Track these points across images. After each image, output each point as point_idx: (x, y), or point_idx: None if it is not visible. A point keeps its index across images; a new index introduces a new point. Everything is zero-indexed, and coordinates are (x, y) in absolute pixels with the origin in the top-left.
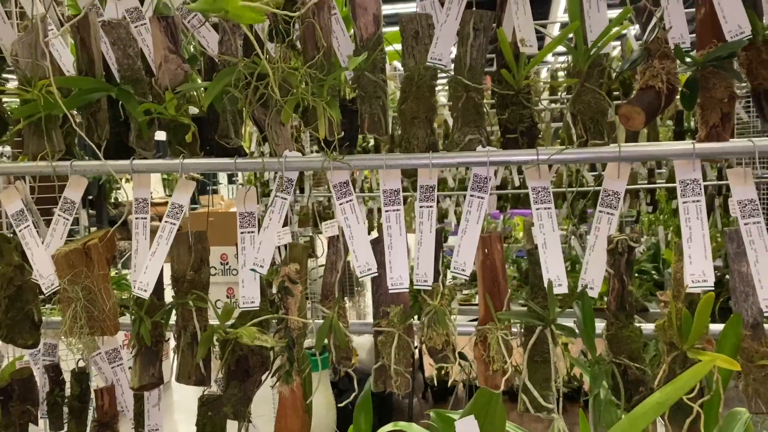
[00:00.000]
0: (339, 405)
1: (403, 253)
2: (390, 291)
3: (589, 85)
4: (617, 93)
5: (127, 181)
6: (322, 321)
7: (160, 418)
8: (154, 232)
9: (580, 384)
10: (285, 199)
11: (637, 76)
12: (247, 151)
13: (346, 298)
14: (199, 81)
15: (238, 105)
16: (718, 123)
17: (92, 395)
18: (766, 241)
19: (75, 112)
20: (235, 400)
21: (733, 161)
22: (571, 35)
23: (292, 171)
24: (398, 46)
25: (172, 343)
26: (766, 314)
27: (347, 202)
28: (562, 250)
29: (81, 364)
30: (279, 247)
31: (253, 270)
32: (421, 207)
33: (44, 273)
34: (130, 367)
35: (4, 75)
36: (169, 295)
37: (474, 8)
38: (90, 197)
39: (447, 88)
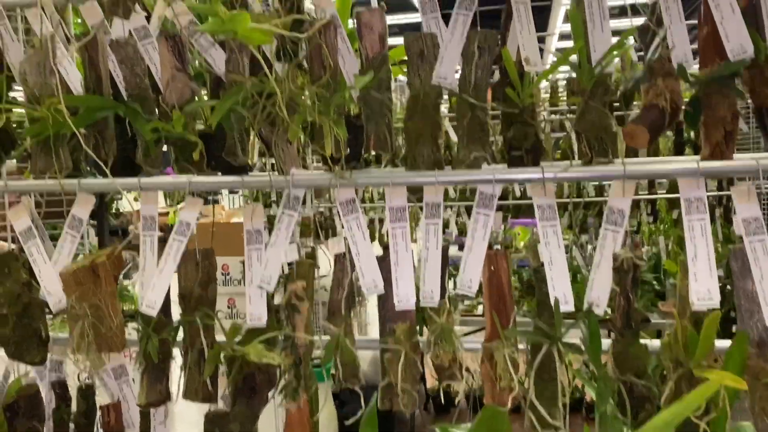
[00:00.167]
0: (346, 423)
1: (410, 270)
2: (396, 308)
3: (593, 104)
4: (617, 104)
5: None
6: (328, 337)
7: None
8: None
9: (582, 395)
10: (292, 216)
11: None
12: (251, 162)
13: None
14: (205, 97)
15: (245, 123)
16: (722, 141)
17: (98, 411)
18: None
19: (82, 130)
20: (242, 417)
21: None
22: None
23: (299, 188)
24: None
25: (179, 359)
26: None
27: (353, 219)
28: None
29: (86, 380)
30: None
31: (260, 287)
32: (427, 224)
33: (52, 290)
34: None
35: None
36: (175, 310)
37: (478, 27)
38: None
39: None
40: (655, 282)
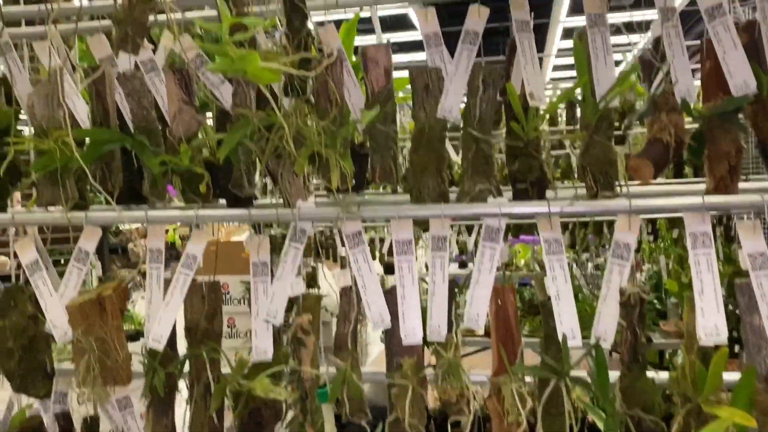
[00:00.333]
0: None
1: (417, 303)
2: (403, 343)
3: (597, 138)
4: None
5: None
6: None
7: None
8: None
9: (585, 414)
10: (298, 248)
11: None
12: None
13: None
14: (209, 121)
15: (252, 155)
16: (726, 175)
17: None
18: None
19: None
20: None
21: None
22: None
23: (305, 221)
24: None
25: (185, 392)
26: None
27: (360, 252)
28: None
29: (91, 412)
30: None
31: (266, 321)
32: (433, 257)
33: (58, 323)
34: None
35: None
36: (181, 343)
37: (483, 62)
38: None
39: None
40: (656, 301)
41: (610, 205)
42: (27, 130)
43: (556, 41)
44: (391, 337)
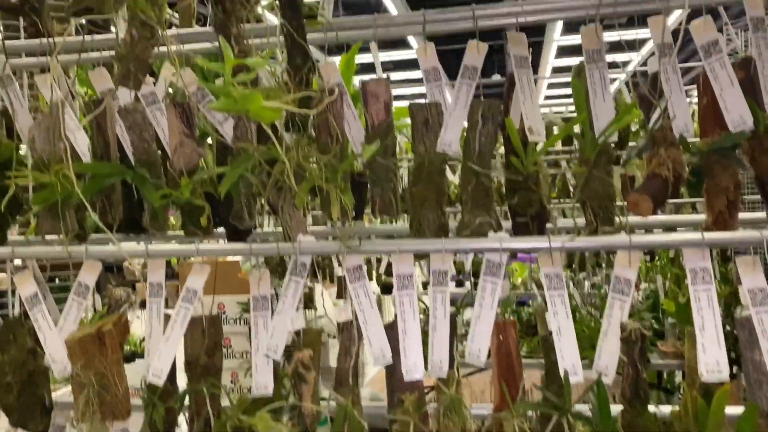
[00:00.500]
0: None
1: (418, 339)
2: (405, 379)
3: (596, 173)
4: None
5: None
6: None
7: None
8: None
9: None
10: (298, 282)
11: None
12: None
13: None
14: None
15: (253, 189)
16: (725, 210)
17: None
18: None
19: None
20: None
21: None
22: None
23: (306, 255)
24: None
25: (184, 427)
26: None
27: (360, 286)
28: None
29: None
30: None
31: (266, 356)
32: (434, 292)
33: (57, 358)
34: None
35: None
36: (181, 377)
37: (482, 96)
38: None
39: None
40: (653, 321)
41: (610, 240)
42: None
43: (551, 60)
44: (392, 372)
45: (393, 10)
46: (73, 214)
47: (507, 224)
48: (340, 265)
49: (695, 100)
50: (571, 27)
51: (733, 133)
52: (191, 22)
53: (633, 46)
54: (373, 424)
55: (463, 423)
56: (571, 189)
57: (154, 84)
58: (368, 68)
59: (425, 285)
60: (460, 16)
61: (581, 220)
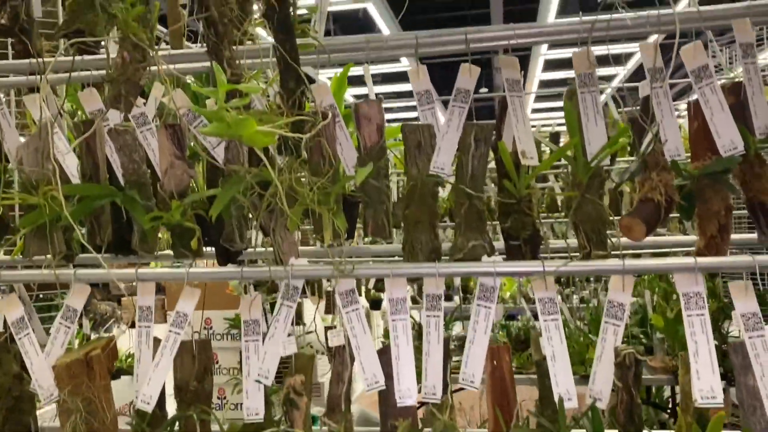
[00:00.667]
0: None
1: (411, 364)
2: (398, 405)
3: (589, 196)
4: None
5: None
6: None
7: None
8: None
9: None
10: (291, 307)
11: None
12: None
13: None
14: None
15: (244, 211)
16: (716, 234)
17: None
18: None
19: None
20: None
21: None
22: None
23: (298, 279)
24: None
25: None
26: None
27: (353, 310)
28: None
29: None
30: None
31: (257, 381)
32: (428, 316)
33: (43, 383)
34: None
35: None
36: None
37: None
38: None
39: None
40: (642, 336)
41: (604, 265)
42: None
43: (538, 73)
44: (385, 397)
45: (381, 23)
46: (61, 237)
47: (497, 244)
48: (328, 280)
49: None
50: (556, 42)
51: (725, 158)
52: (182, 41)
53: (619, 60)
54: None
55: None
56: (559, 204)
57: (144, 104)
58: (355, 80)
59: (413, 299)
60: (453, 39)
61: (572, 240)
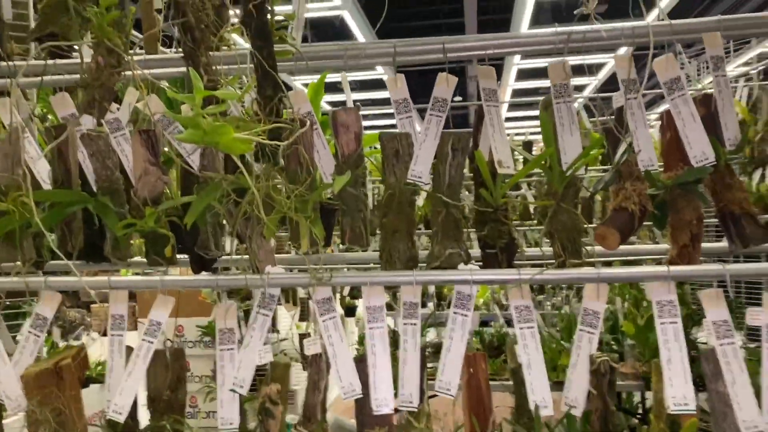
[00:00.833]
0: None
1: (388, 372)
2: (374, 413)
3: (564, 205)
4: None
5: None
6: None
7: None
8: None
9: None
10: (267, 316)
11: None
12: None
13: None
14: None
15: (219, 218)
16: (689, 243)
17: None
18: (741, 362)
19: None
20: None
21: None
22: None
23: (274, 287)
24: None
25: None
26: None
27: (330, 318)
28: None
29: None
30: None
31: (232, 390)
32: (405, 324)
33: (11, 394)
34: None
35: None
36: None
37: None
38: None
39: None
40: (613, 342)
41: (579, 273)
42: None
43: (511, 82)
44: (362, 406)
45: (357, 32)
46: (31, 243)
47: (474, 252)
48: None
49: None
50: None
51: (697, 168)
52: (157, 47)
53: (591, 70)
54: None
55: None
56: (531, 211)
57: (118, 110)
58: (331, 87)
59: (389, 306)
60: (430, 48)
61: (548, 249)
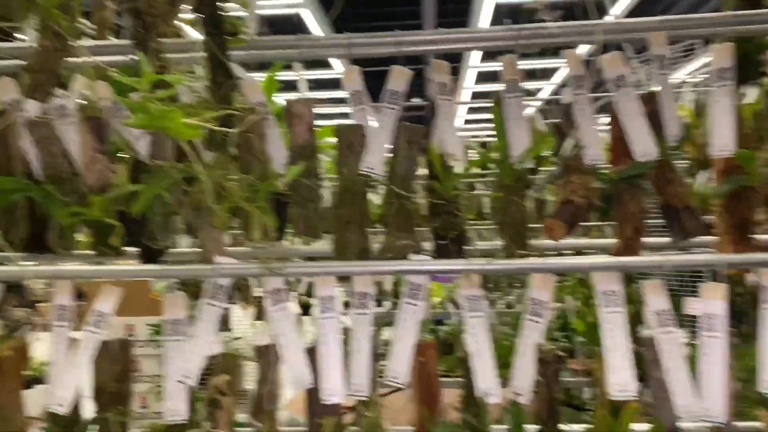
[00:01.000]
0: None
1: (339, 362)
2: (324, 402)
3: (513, 198)
4: None
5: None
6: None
7: None
8: None
9: None
10: (216, 306)
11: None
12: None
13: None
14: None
15: (169, 208)
16: (633, 236)
17: None
18: (679, 349)
19: None
20: None
21: None
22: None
23: (224, 278)
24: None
25: None
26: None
27: (280, 309)
28: None
29: None
30: None
31: (179, 382)
32: (357, 314)
33: None
34: None
35: None
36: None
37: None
38: None
39: None
40: (564, 340)
41: (526, 263)
42: None
43: (470, 85)
44: (312, 396)
45: (317, 31)
46: None
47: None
48: (259, 286)
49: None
50: (489, 54)
51: (639, 163)
52: (106, 34)
53: (546, 75)
54: None
55: None
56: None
57: (65, 96)
58: (291, 86)
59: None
60: (384, 41)
61: (499, 243)
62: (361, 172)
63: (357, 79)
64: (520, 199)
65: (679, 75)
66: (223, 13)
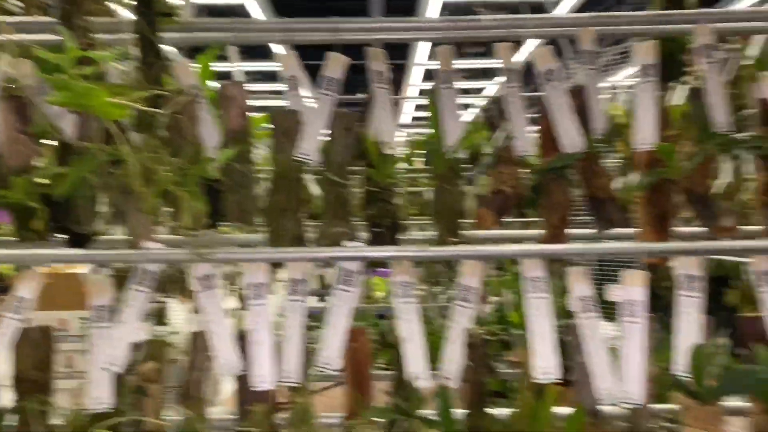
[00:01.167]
0: None
1: (269, 348)
2: (254, 389)
3: (446, 187)
4: None
5: None
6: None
7: None
8: None
9: None
10: (143, 292)
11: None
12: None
13: None
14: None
15: (96, 192)
16: (559, 225)
17: None
18: (600, 334)
19: None
20: None
21: None
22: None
23: (152, 263)
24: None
25: None
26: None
27: (209, 295)
28: None
29: None
30: None
31: (104, 369)
32: (290, 301)
33: None
34: None
35: None
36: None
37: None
38: None
39: None
40: (501, 333)
41: (457, 250)
42: None
43: (417, 81)
44: (243, 384)
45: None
46: None
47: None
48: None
49: None
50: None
51: (565, 155)
52: (35, 12)
53: (489, 74)
54: None
55: None
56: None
57: None
58: (225, 76)
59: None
60: (323, 27)
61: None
62: (295, 158)
63: (294, 64)
64: (453, 188)
65: (617, 78)
66: None
